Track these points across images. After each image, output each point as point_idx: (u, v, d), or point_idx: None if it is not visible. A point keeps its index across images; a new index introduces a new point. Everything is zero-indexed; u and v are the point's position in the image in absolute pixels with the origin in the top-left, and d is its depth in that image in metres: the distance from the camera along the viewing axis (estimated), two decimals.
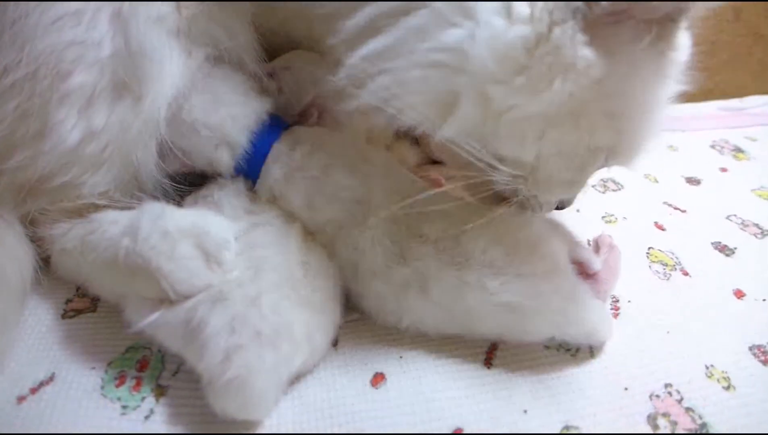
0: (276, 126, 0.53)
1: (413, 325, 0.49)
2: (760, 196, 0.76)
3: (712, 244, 0.65)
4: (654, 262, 0.62)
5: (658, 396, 0.46)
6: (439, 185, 0.64)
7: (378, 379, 0.47)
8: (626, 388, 0.47)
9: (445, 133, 0.42)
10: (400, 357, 0.49)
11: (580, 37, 0.38)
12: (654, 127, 0.45)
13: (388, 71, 0.42)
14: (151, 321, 0.45)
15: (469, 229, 0.47)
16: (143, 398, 0.45)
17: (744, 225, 0.69)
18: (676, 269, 0.60)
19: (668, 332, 0.52)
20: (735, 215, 0.71)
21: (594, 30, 0.38)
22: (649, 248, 0.64)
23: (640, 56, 0.41)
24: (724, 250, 0.64)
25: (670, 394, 0.47)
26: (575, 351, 0.50)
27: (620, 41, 0.40)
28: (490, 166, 0.44)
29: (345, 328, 0.51)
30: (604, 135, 0.43)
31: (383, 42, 0.42)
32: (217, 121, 0.50)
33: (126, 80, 0.47)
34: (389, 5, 0.42)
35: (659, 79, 0.43)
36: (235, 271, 0.46)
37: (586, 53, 0.38)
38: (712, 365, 0.49)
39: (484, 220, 0.46)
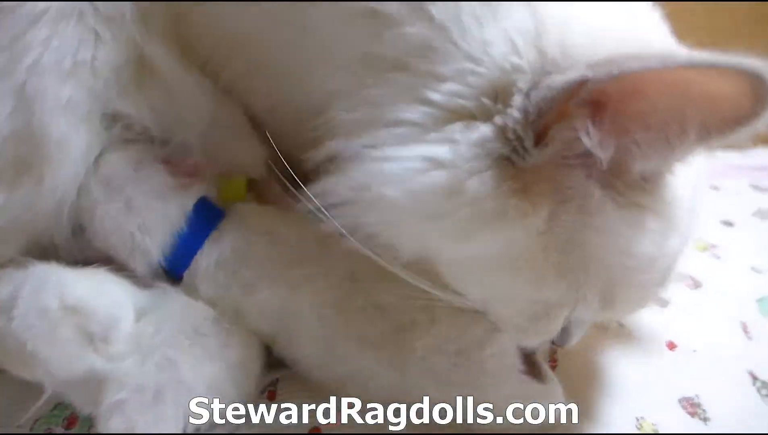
0: (202, 227, 0.49)
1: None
2: (695, 247, 0.79)
3: None
4: None
5: None
6: None
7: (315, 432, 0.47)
8: None
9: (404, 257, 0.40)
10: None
11: (509, 186, 0.33)
12: (645, 282, 0.39)
13: (348, 202, 0.39)
14: (39, 405, 0.44)
15: (410, 331, 0.44)
16: None
17: (679, 276, 0.72)
18: (612, 321, 0.62)
19: (602, 385, 0.54)
20: None
21: (534, 175, 0.33)
22: None
23: (603, 207, 0.34)
24: (659, 301, 0.67)
25: None
26: None
27: (571, 186, 0.34)
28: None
29: (282, 380, 0.50)
30: (555, 290, 0.37)
31: (341, 176, 0.40)
32: (127, 234, 0.48)
33: (28, 160, 0.45)
34: (343, 146, 0.40)
35: (638, 233, 0.36)
36: (126, 360, 0.43)
37: (516, 204, 0.33)
38: (642, 418, 0.50)
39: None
